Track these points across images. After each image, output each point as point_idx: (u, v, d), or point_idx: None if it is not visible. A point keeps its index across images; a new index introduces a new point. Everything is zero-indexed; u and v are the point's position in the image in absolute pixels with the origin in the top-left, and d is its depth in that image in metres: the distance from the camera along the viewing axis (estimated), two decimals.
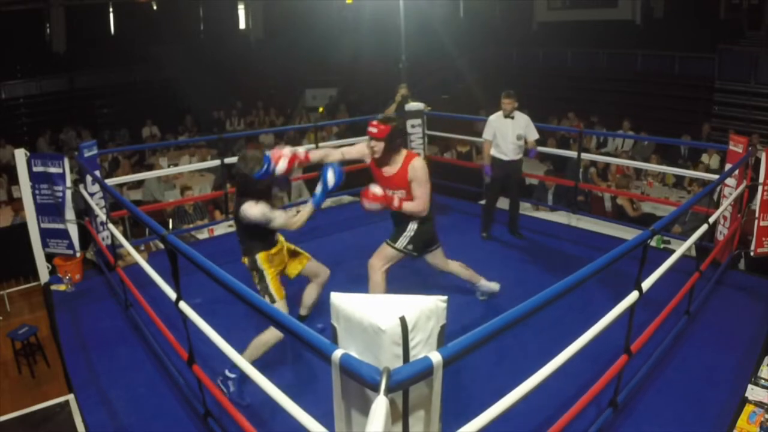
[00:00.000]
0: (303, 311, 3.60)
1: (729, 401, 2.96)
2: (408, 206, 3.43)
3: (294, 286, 3.58)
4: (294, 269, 3.45)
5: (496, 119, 5.20)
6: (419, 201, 3.41)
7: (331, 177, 3.25)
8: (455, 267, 3.92)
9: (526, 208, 6.39)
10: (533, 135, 5.20)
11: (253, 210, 3.03)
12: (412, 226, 3.54)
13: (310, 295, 3.58)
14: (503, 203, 6.50)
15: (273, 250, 3.26)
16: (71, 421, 3.03)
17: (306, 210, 3.22)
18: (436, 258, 3.82)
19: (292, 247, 3.46)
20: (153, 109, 12.91)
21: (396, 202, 3.43)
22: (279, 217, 3.10)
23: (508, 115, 5.14)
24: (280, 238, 3.37)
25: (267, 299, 3.21)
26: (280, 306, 3.26)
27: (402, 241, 3.56)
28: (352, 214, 6.03)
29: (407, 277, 4.54)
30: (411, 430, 1.62)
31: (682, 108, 10.78)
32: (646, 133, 9.67)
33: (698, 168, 7.96)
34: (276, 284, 3.26)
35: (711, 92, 10.64)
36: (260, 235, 3.19)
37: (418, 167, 3.39)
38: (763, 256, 4.54)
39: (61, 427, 3.01)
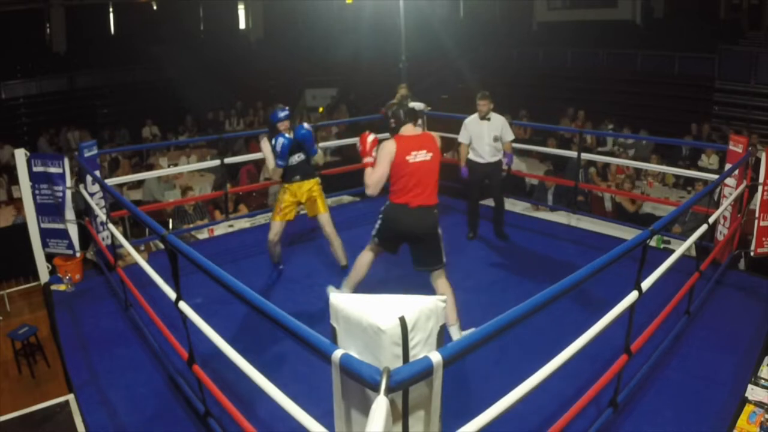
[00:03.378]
0: (342, 263, 4.43)
1: (729, 401, 2.96)
2: (366, 171, 3.46)
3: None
4: (310, 211, 4.42)
5: (471, 122, 5.13)
6: (371, 174, 3.40)
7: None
8: (444, 290, 3.54)
9: (526, 208, 6.40)
10: (508, 136, 5.14)
11: (261, 143, 4.26)
12: (379, 216, 3.65)
13: (333, 247, 4.43)
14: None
15: (289, 187, 4.29)
16: (71, 421, 3.03)
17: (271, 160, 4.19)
18: (434, 277, 3.59)
19: (316, 195, 4.36)
20: (153, 109, 12.91)
21: (367, 160, 3.46)
22: (268, 154, 4.20)
23: (483, 117, 5.07)
24: (304, 182, 4.32)
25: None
26: (276, 225, 4.30)
27: (373, 230, 3.69)
28: (352, 214, 6.04)
29: (407, 278, 4.55)
30: (411, 430, 1.62)
31: (682, 108, 10.78)
32: (647, 133, 9.68)
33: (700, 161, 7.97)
34: (279, 208, 4.31)
35: (711, 92, 10.64)
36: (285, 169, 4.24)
37: (382, 146, 3.42)
38: (763, 256, 4.54)
39: (61, 427, 3.00)
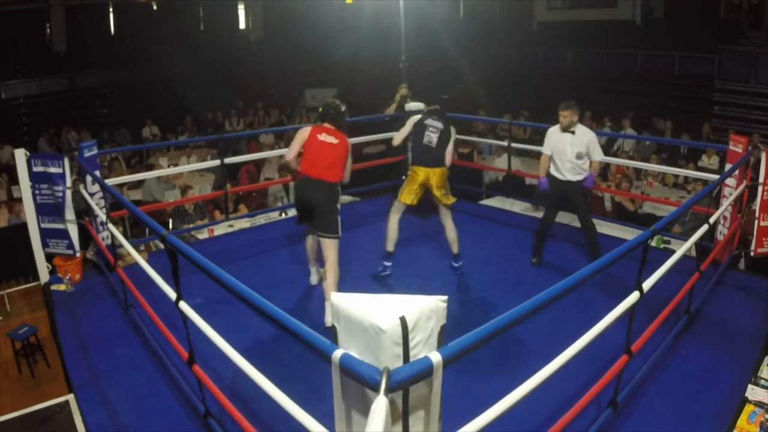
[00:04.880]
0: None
1: (729, 401, 2.96)
2: None
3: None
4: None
5: (553, 132, 4.70)
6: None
7: None
8: (330, 262, 3.99)
9: (526, 208, 6.39)
10: (596, 155, 4.56)
11: None
12: None
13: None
14: (501, 203, 6.50)
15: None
16: (71, 421, 3.02)
17: None
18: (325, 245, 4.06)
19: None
20: (153, 109, 12.89)
21: None
22: None
23: (566, 129, 4.59)
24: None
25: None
26: (397, 205, 4.55)
27: None
28: (352, 214, 6.04)
29: (407, 278, 4.55)
30: (411, 430, 1.62)
31: (682, 108, 10.79)
32: (648, 133, 9.68)
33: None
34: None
35: (711, 92, 10.64)
36: None
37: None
38: (763, 256, 4.54)
39: (61, 427, 3.00)
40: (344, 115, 4.16)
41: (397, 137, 4.73)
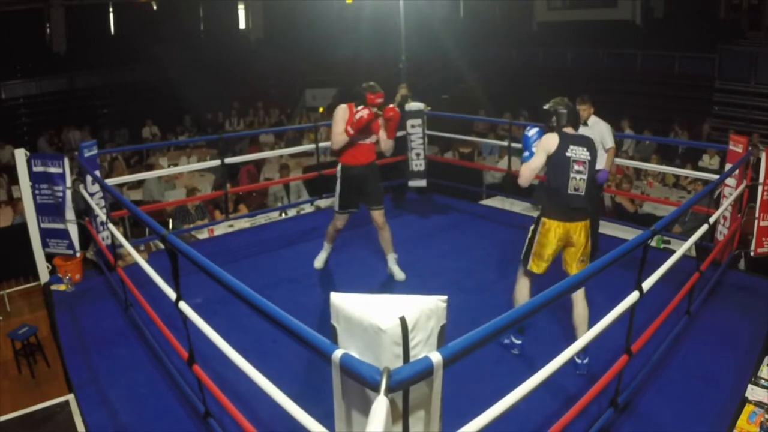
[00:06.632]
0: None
1: (729, 401, 2.96)
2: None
3: None
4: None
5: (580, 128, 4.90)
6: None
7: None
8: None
9: (526, 208, 6.39)
10: (608, 143, 4.62)
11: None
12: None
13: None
14: (501, 203, 6.50)
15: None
16: (71, 421, 3.02)
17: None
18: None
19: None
20: (153, 109, 12.90)
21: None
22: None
23: (583, 123, 4.66)
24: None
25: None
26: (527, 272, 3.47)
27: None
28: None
29: (407, 278, 4.55)
30: (411, 430, 1.62)
31: (682, 108, 10.79)
32: (649, 133, 9.68)
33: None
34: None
35: (711, 92, 10.65)
36: None
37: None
38: (763, 256, 4.54)
39: (61, 427, 3.00)
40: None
41: (528, 174, 3.30)
